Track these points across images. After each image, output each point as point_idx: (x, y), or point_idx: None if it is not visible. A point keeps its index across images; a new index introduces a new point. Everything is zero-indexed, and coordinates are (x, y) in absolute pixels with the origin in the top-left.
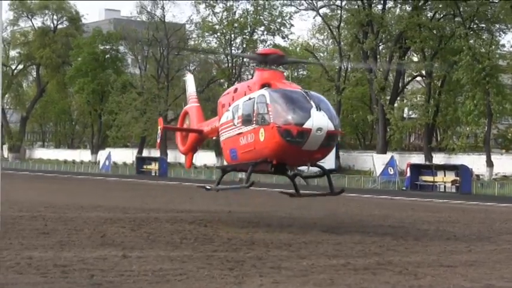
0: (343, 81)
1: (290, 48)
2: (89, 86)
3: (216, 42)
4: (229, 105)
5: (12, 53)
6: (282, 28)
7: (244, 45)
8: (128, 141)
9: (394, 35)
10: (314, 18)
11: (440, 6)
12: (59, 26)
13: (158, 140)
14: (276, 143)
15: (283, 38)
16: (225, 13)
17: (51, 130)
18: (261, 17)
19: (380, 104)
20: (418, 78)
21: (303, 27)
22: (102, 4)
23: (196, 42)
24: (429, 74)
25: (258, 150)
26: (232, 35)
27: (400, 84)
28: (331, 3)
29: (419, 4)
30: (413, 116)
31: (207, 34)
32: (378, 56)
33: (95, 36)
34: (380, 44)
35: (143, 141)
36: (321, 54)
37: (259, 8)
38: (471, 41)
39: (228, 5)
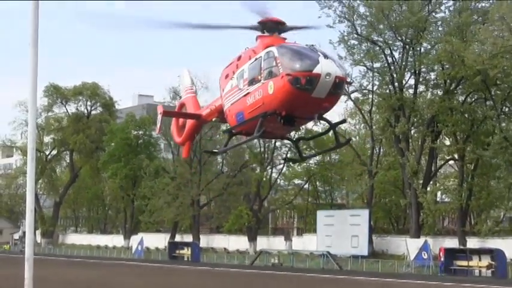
0: (376, 165)
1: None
2: (122, 171)
3: None
4: (234, 74)
5: (46, 138)
6: None
7: None
8: (160, 226)
9: (426, 119)
10: (346, 102)
11: (471, 90)
12: (93, 112)
13: (158, 125)
14: (286, 92)
15: (315, 123)
16: None
17: (84, 215)
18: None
19: (413, 188)
20: (451, 162)
21: (335, 112)
22: (135, 90)
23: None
24: (462, 157)
25: (266, 104)
26: None
27: (432, 168)
28: (363, 88)
29: (451, 88)
30: (446, 199)
31: None
32: (410, 140)
33: (128, 122)
34: (412, 128)
35: (176, 226)
36: (353, 139)
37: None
38: (503, 124)
39: None
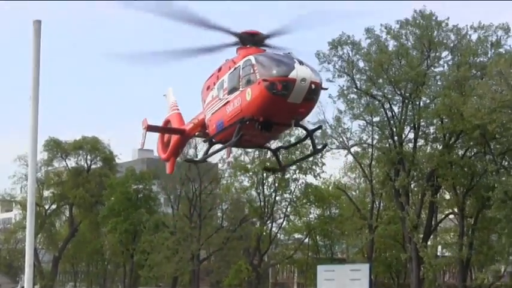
0: (376, 219)
1: (323, 186)
2: (122, 225)
3: (248, 181)
4: (214, 85)
5: (46, 193)
6: (313, 167)
7: (276, 184)
8: (160, 281)
9: (426, 173)
10: (345, 156)
11: (471, 144)
12: (93, 166)
13: (142, 141)
14: (263, 97)
15: (315, 176)
16: (257, 152)
17: (83, 270)
18: (292, 156)
19: (413, 242)
20: (451, 216)
21: (335, 166)
22: (135, 144)
23: (228, 181)
24: (462, 211)
25: (244, 110)
26: (264, 174)
27: (433, 222)
28: (362, 142)
29: (450, 142)
30: (447, 254)
31: (239, 173)
32: (410, 194)
33: (128, 176)
34: (412, 182)
35: (175, 281)
36: (353, 193)
37: (291, 146)
38: (503, 178)
39: None
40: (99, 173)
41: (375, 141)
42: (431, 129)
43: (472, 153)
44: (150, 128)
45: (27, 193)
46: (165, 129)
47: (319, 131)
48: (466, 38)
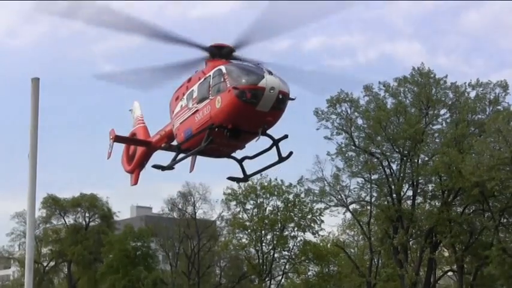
0: (374, 276)
1: (321, 244)
2: (120, 282)
3: (246, 239)
4: (184, 95)
5: (44, 250)
6: (312, 224)
7: (275, 241)
8: None
9: (424, 230)
10: (344, 214)
11: (469, 201)
12: (91, 223)
13: (109, 151)
14: (232, 104)
15: (313, 234)
16: (255, 210)
17: None
18: (291, 214)
19: None
20: (450, 273)
21: (333, 223)
22: (133, 201)
23: (227, 238)
24: (461, 268)
25: (214, 117)
26: (263, 231)
27: (431, 279)
28: (361, 199)
29: (449, 200)
30: None
31: (237, 231)
32: (409, 251)
33: (126, 233)
34: (410, 239)
35: None
36: (352, 250)
37: (289, 204)
38: (501, 235)
39: (259, 201)
40: (98, 230)
41: (373, 199)
42: (430, 187)
43: (471, 211)
44: (117, 139)
45: (26, 250)
46: (131, 140)
47: (286, 139)
48: (464, 95)
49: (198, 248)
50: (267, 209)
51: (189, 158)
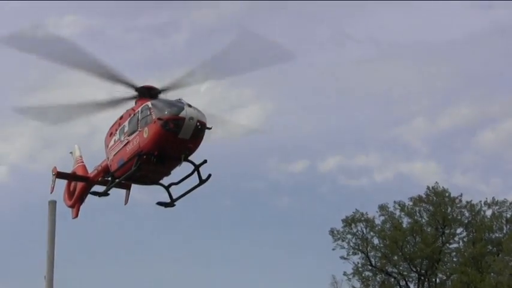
0: None
1: None
2: None
3: None
4: (116, 131)
5: None
6: None
7: None
8: None
9: None
10: None
11: None
12: None
13: (52, 185)
14: (158, 133)
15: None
16: None
17: None
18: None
19: None
20: None
21: None
22: None
23: None
24: None
25: (142, 146)
26: None
27: None
28: None
29: None
30: None
31: None
32: None
33: None
34: None
35: None
36: None
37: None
38: None
39: None
40: None
41: None
42: None
43: None
44: (59, 175)
45: None
46: (72, 176)
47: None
48: (480, 214)
49: None
50: None
51: (125, 192)
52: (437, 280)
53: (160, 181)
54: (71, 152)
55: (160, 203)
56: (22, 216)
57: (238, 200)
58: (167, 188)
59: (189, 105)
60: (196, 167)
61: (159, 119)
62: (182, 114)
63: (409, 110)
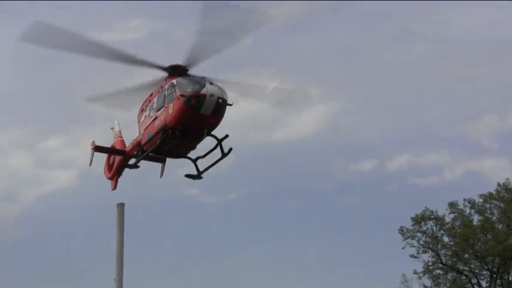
0: None
1: None
2: None
3: None
4: (147, 107)
5: None
6: None
7: None
8: None
9: None
10: None
11: None
12: None
13: (91, 158)
14: (181, 109)
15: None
16: None
17: None
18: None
19: None
20: None
21: None
22: None
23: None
24: None
25: (167, 121)
26: None
27: None
28: None
29: None
30: None
31: None
32: None
33: None
34: None
35: None
36: None
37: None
38: None
39: None
40: None
41: None
42: None
43: None
44: (97, 149)
45: None
46: (109, 150)
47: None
48: None
49: None
50: None
51: (160, 166)
52: (510, 278)
53: (188, 155)
54: (112, 128)
55: (188, 175)
56: (91, 219)
57: (306, 201)
58: (194, 161)
59: (211, 83)
60: (219, 142)
61: (182, 95)
62: (203, 91)
63: (478, 107)
